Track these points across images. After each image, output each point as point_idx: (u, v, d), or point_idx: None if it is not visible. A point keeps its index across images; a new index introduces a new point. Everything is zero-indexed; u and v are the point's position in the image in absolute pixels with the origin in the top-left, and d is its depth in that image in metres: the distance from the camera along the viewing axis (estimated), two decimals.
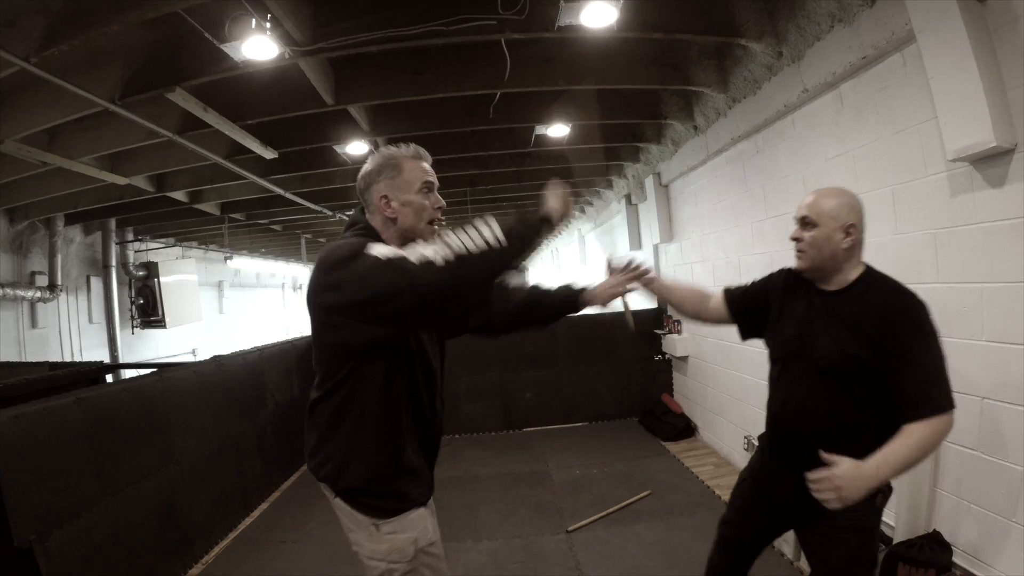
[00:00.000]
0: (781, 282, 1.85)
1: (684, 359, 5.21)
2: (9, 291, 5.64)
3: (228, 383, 4.11)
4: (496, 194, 7.37)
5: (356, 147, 4.86)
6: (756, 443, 3.85)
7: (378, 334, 1.40)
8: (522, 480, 4.53)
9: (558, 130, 4.79)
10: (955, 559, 2.33)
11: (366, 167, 1.58)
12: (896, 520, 2.57)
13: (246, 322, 10.48)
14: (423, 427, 1.58)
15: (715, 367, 4.59)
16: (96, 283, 6.90)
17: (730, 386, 4.32)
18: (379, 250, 1.30)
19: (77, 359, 6.17)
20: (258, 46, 2.86)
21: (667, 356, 5.58)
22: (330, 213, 7.26)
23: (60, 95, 3.08)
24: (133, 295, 7.05)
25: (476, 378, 6.10)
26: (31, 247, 6.10)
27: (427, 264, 1.22)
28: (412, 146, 1.59)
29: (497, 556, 3.31)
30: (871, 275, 1.68)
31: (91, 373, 3.90)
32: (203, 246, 8.76)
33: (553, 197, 1.52)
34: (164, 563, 3.08)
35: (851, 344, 1.58)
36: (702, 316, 2.06)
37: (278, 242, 9.58)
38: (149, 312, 6.94)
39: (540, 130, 4.82)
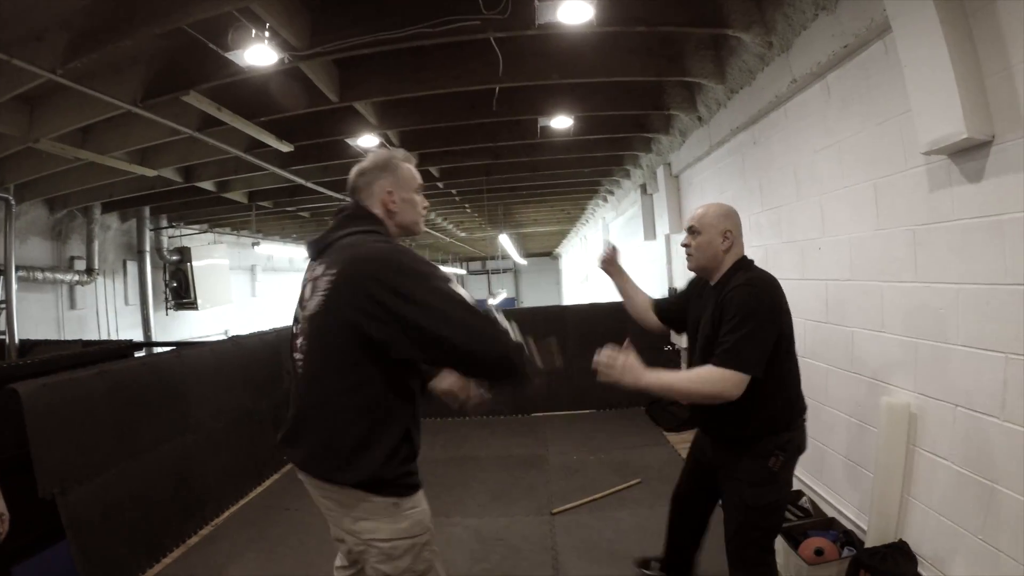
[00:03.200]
0: (693, 287, 2.25)
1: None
2: (49, 275, 6.09)
3: (244, 361, 4.37)
4: (513, 183, 7.44)
5: (367, 140, 5.03)
6: None
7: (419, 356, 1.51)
8: (519, 463, 4.64)
9: (561, 122, 4.83)
10: (920, 570, 2.27)
11: (365, 164, 1.70)
12: (868, 526, 2.56)
13: (279, 305, 10.92)
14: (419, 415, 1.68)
15: None
16: (132, 267, 7.35)
17: None
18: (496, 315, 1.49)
19: (113, 338, 6.62)
20: (258, 53, 3.05)
21: (676, 347, 5.56)
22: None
23: (88, 98, 3.34)
24: (167, 278, 7.51)
25: None
26: (70, 234, 6.55)
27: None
28: (401, 150, 1.78)
29: (480, 533, 3.45)
30: (735, 267, 2.03)
31: (120, 351, 4.21)
32: (235, 232, 9.19)
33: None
34: (177, 521, 3.37)
35: (711, 323, 1.96)
36: (644, 322, 2.40)
37: (308, 228, 9.93)
38: (182, 295, 7.39)
39: (543, 122, 4.86)
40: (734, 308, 1.87)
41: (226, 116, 3.79)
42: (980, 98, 2.01)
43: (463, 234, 13.07)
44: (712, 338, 1.92)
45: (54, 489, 2.59)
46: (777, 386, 1.93)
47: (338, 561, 1.86)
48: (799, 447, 2.02)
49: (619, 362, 1.84)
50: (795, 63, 2.94)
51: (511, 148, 5.97)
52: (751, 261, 2.07)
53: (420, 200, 1.74)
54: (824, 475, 3.07)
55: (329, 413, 1.53)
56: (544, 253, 20.72)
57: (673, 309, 2.32)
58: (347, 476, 1.52)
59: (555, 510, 3.69)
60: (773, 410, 1.94)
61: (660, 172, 5.43)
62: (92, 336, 6.45)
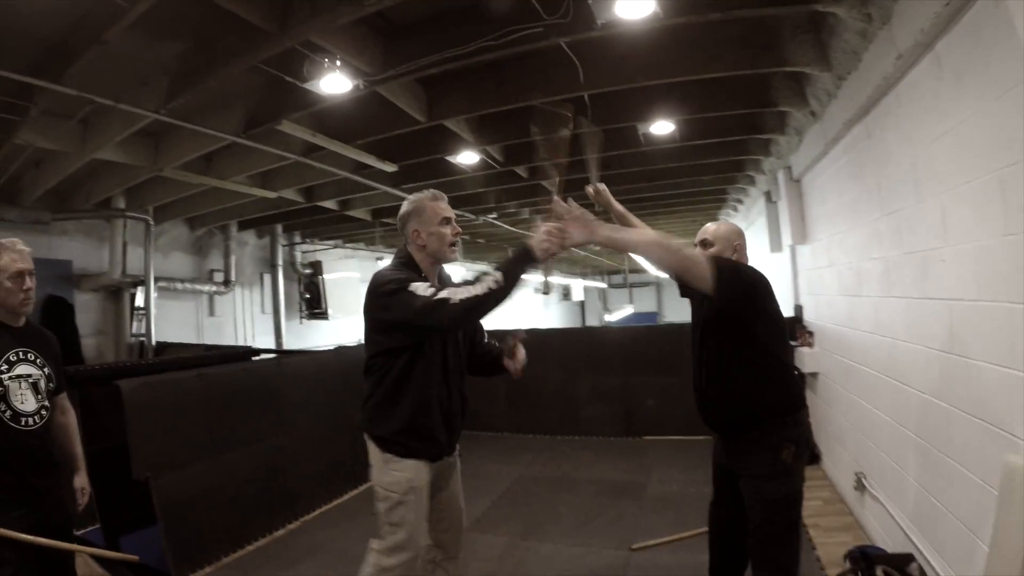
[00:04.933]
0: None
1: (814, 375, 4.51)
2: (189, 285, 7.07)
3: (348, 369, 4.66)
4: (631, 194, 7.16)
5: (466, 156, 5.16)
6: (866, 482, 3.28)
7: (405, 341, 2.02)
8: (615, 489, 4.44)
9: (662, 127, 4.54)
10: None
11: (400, 211, 2.15)
12: None
13: None
14: (440, 403, 2.11)
15: (838, 388, 3.92)
16: (268, 279, 8.28)
17: (850, 411, 3.66)
18: (419, 289, 1.86)
19: (250, 344, 7.56)
20: (333, 82, 3.31)
21: (799, 371, 4.88)
22: (472, 216, 7.72)
23: (198, 132, 3.86)
24: (301, 290, 8.41)
25: (599, 380, 6.03)
26: (209, 249, 7.59)
27: (447, 303, 1.80)
28: (431, 191, 2.17)
29: (552, 561, 3.35)
30: None
31: (238, 356, 4.74)
32: (369, 247, 9.94)
33: (543, 235, 1.86)
34: (264, 514, 3.68)
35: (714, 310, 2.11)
36: None
37: None
38: (314, 305, 8.24)
39: (643, 128, 4.62)
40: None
41: (321, 140, 4.16)
42: None
43: (597, 247, 12.87)
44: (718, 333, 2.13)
45: (147, 473, 2.97)
46: (772, 370, 2.12)
47: None
48: (806, 441, 2.15)
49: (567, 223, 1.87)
50: (898, 35, 2.43)
51: (619, 158, 5.74)
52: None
53: (448, 231, 2.10)
54: (940, 540, 2.44)
55: (365, 387, 2.12)
56: None
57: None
58: (370, 432, 2.11)
59: (635, 546, 3.45)
60: (770, 395, 2.09)
61: (781, 177, 4.84)
62: (230, 341, 7.46)
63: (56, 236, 6.12)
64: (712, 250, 2.20)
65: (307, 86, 3.29)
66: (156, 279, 6.51)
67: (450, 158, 5.20)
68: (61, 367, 2.30)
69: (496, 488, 4.42)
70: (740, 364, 2.10)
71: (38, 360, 2.15)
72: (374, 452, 2.10)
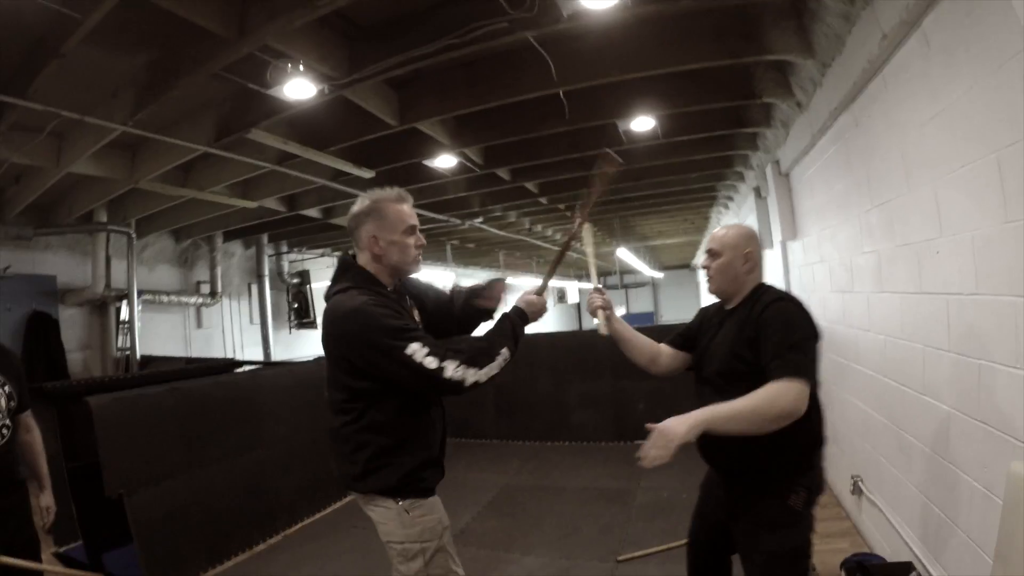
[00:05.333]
0: (704, 314, 2.14)
1: None
2: (175, 298, 6.95)
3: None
4: (619, 194, 7.04)
5: (444, 160, 5.02)
6: (863, 486, 3.14)
7: (389, 383, 1.68)
8: (604, 497, 4.31)
9: (642, 123, 4.40)
10: None
11: (354, 209, 1.80)
12: None
13: None
14: (438, 428, 1.86)
15: (832, 387, 3.76)
16: (256, 290, 8.17)
17: (845, 412, 3.51)
18: (417, 355, 1.58)
19: (238, 355, 7.42)
20: (298, 87, 3.18)
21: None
22: (459, 221, 7.59)
23: (172, 144, 3.72)
24: (289, 299, 8.28)
25: (589, 385, 5.92)
26: (195, 261, 7.46)
27: (462, 385, 1.62)
28: (396, 190, 1.83)
29: (535, 574, 3.24)
30: (757, 290, 1.92)
31: (221, 368, 4.60)
32: None
33: (535, 299, 1.87)
34: (244, 530, 3.56)
35: (736, 344, 1.82)
36: (651, 368, 2.18)
37: (426, 251, 10.35)
38: (303, 315, 8.13)
39: (623, 125, 4.47)
40: (777, 323, 1.76)
41: (294, 148, 4.03)
42: None
43: (590, 249, 12.74)
44: (738, 358, 1.80)
45: (120, 490, 2.86)
46: (807, 417, 1.68)
47: None
48: (819, 484, 1.86)
49: (655, 435, 1.61)
50: (882, 14, 2.29)
51: (601, 157, 5.62)
52: (772, 286, 1.96)
53: (412, 241, 1.80)
54: (941, 549, 2.30)
55: (345, 440, 1.75)
56: (682, 265, 19.49)
57: (692, 337, 2.12)
58: (372, 486, 1.73)
59: (621, 557, 3.33)
60: (802, 442, 1.79)
61: (769, 171, 4.70)
62: (218, 353, 7.34)
63: (39, 251, 6.04)
64: (721, 260, 1.92)
65: (271, 92, 3.17)
66: (141, 292, 6.42)
67: (427, 162, 5.06)
68: (24, 385, 2.22)
69: (481, 498, 4.29)
70: None
71: None
72: (384, 508, 1.72)
